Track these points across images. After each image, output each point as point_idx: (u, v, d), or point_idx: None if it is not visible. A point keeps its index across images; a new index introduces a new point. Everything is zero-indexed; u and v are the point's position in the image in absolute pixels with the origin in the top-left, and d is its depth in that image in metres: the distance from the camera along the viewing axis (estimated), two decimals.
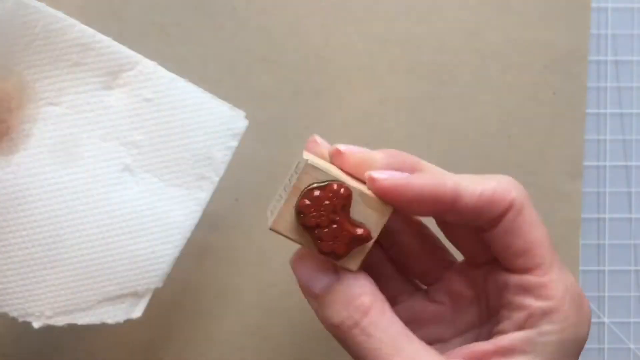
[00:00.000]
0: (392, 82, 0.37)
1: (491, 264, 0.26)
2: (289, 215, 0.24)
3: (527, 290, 0.24)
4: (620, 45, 0.38)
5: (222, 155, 0.30)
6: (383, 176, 0.24)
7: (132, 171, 0.29)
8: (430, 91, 0.37)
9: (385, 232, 0.25)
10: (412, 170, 0.24)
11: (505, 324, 0.24)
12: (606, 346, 0.38)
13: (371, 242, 0.24)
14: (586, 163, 0.38)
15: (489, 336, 0.25)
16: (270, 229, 0.24)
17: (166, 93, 0.29)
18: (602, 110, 0.38)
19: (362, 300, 0.24)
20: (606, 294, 0.38)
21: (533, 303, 0.23)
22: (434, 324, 0.27)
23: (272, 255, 0.37)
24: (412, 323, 0.26)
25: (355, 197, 0.24)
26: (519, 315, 0.23)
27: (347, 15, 0.37)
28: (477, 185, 0.24)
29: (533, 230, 0.24)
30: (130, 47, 0.36)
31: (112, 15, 0.36)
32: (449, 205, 0.23)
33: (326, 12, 0.37)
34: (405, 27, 0.37)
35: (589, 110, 0.38)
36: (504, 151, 0.37)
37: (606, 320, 0.38)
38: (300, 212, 0.23)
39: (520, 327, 0.23)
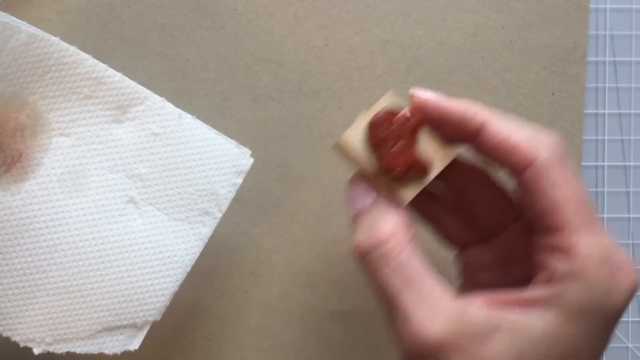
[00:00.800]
0: (391, 82, 0.37)
1: (516, 226, 0.26)
2: (359, 135, 0.25)
3: (551, 250, 0.23)
4: (619, 46, 0.38)
5: (226, 191, 0.30)
6: (420, 93, 0.25)
7: (137, 203, 0.30)
8: None
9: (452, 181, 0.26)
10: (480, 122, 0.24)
11: (530, 283, 0.24)
12: None
13: (428, 179, 0.25)
14: (585, 163, 0.38)
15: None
16: (336, 145, 0.25)
17: (173, 129, 0.30)
18: (600, 111, 0.38)
19: (385, 228, 0.24)
20: None
21: (556, 263, 0.23)
22: (484, 271, 0.28)
23: (273, 255, 0.37)
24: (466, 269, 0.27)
25: (424, 134, 0.25)
26: (543, 274, 0.23)
27: (347, 16, 0.37)
28: (508, 130, 0.24)
29: (559, 190, 0.23)
30: (131, 47, 0.36)
31: (112, 16, 0.36)
32: (472, 134, 0.24)
33: (326, 13, 0.37)
34: (405, 28, 0.37)
35: (587, 111, 0.38)
36: None
37: None
38: (372, 125, 0.24)
39: (544, 285, 0.23)
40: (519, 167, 0.23)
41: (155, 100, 0.30)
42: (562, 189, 0.23)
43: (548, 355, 0.22)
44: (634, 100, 0.38)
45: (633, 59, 0.38)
